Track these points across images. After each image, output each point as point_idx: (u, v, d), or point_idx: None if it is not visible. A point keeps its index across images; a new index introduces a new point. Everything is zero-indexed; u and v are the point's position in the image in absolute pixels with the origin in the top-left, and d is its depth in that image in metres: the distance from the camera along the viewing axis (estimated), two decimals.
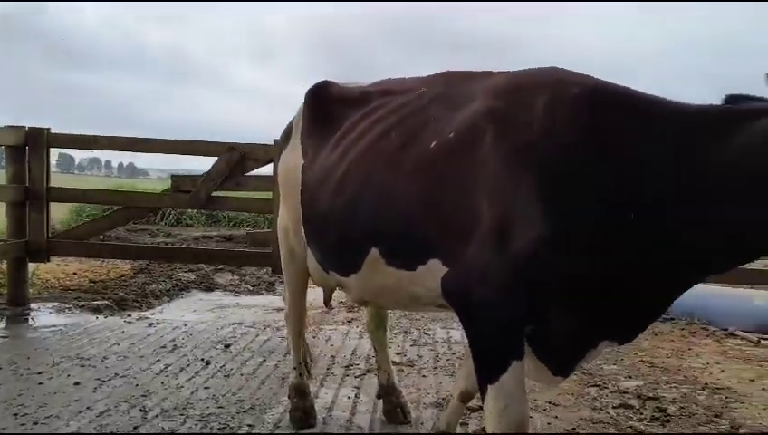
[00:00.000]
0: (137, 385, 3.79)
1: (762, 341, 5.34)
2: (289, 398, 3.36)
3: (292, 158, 3.00)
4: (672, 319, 5.99)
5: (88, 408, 3.40)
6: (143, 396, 3.61)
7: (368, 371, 4.26)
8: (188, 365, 4.26)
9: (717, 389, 4.06)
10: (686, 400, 3.83)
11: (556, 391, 3.87)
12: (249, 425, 3.26)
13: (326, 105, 2.89)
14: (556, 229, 1.88)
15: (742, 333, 5.55)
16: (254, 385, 3.89)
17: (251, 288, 8.28)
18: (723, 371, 4.49)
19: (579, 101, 1.98)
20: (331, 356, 4.62)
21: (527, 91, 2.07)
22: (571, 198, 1.91)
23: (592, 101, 1.98)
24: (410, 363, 4.45)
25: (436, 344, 5.04)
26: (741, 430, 3.34)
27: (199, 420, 3.29)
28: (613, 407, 3.67)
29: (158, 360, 4.36)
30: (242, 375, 4.09)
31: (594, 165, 1.90)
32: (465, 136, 2.12)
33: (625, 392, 3.91)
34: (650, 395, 3.86)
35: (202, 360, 4.38)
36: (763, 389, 4.10)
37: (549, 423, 3.39)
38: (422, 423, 3.36)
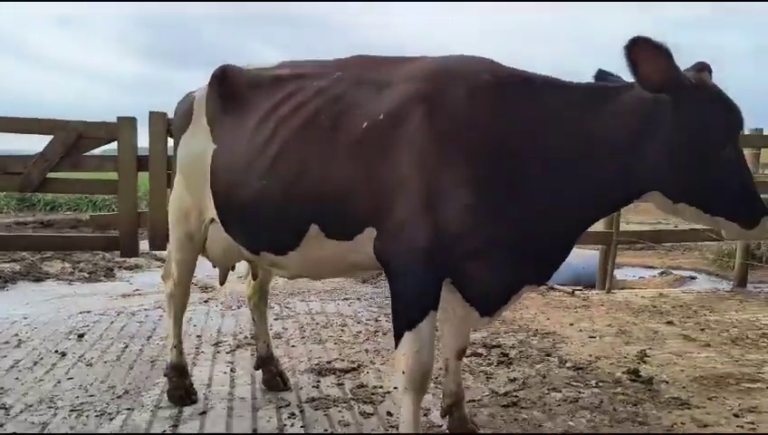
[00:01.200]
0: None
1: (575, 292, 6.27)
2: (167, 377, 3.36)
3: (198, 142, 2.96)
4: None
5: None
6: None
7: (237, 346, 4.35)
8: (42, 358, 4.03)
9: (546, 333, 4.76)
10: (523, 344, 4.45)
11: None
12: (128, 409, 3.23)
13: (237, 89, 2.85)
14: (474, 194, 2.26)
15: (559, 287, 6.46)
16: (121, 371, 3.81)
17: (87, 275, 7.81)
18: (548, 318, 5.25)
19: (488, 86, 2.36)
20: (197, 336, 4.62)
21: (448, 77, 2.39)
22: (485, 166, 2.28)
23: (499, 85, 2.36)
24: (278, 336, 4.60)
25: (298, 316, 5.22)
26: (566, 364, 3.99)
27: (72, 411, 3.19)
28: (467, 356, 4.14)
29: (5, 356, 4.06)
30: (106, 363, 3.97)
31: (504, 137, 2.31)
32: (394, 116, 2.35)
33: (473, 343, 4.42)
34: (494, 344, 4.43)
35: (56, 352, 4.16)
36: (580, 330, 4.89)
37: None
38: (301, 388, 3.55)
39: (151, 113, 5.45)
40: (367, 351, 4.25)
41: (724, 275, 8.18)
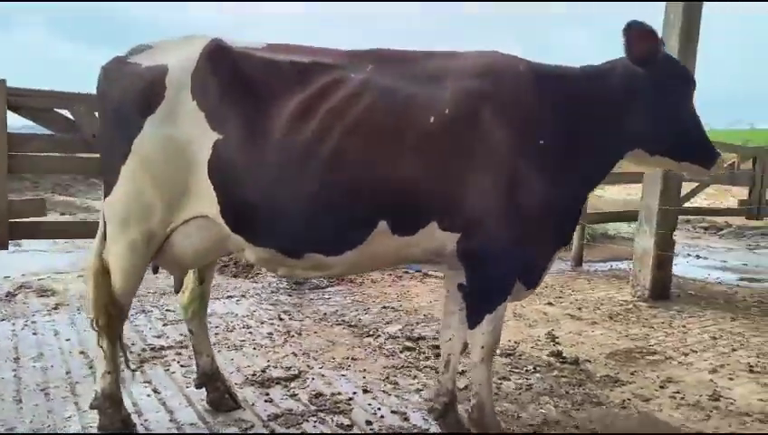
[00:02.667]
0: None
1: None
2: (98, 410, 2.73)
3: (180, 129, 2.46)
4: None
5: None
6: None
7: (141, 361, 3.73)
8: None
9: None
10: None
11: (346, 351, 4.08)
12: None
13: (244, 72, 2.47)
14: (549, 188, 2.51)
15: (433, 272, 6.63)
16: (10, 408, 3.03)
17: None
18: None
19: (530, 78, 2.57)
20: (80, 352, 3.86)
21: (498, 73, 2.55)
22: (552, 159, 2.52)
23: (537, 77, 2.58)
24: (181, 345, 4.04)
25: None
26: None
27: None
28: (400, 351, 4.06)
29: None
30: None
31: (552, 125, 2.54)
32: (461, 112, 2.43)
33: (396, 337, 4.34)
34: (417, 336, 4.39)
35: None
36: None
37: (364, 377, 3.57)
38: (253, 404, 3.16)
39: None
40: (295, 354, 3.93)
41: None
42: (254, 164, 2.41)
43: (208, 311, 4.79)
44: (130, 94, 2.51)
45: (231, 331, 4.41)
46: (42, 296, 5.39)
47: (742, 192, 15.61)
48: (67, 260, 7.75)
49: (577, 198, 2.74)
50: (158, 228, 2.57)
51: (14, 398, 3.15)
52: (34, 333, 4.21)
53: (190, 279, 3.07)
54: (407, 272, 6.63)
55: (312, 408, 3.13)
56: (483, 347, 2.66)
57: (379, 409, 3.15)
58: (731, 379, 3.82)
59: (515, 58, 2.64)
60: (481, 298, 2.64)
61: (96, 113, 4.16)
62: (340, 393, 3.32)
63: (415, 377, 3.62)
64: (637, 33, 2.44)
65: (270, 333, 4.36)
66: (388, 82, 2.47)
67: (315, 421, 2.99)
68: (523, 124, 2.50)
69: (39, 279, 6.21)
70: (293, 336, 4.31)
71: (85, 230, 4.64)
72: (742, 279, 7.37)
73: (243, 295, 5.49)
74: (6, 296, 5.38)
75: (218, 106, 2.43)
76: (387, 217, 2.45)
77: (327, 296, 5.54)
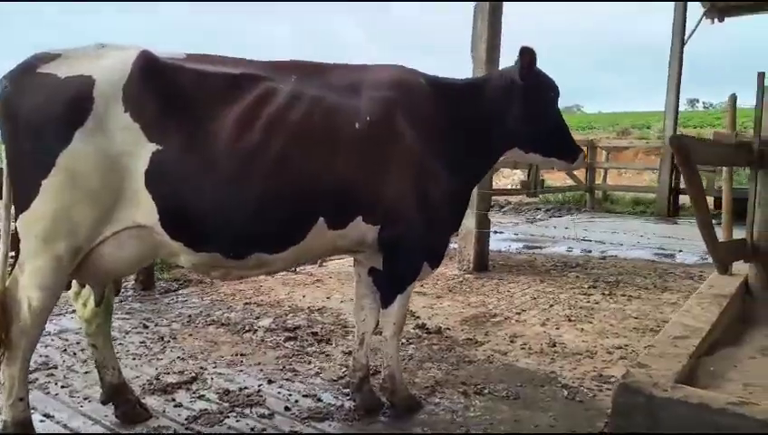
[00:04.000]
0: None
1: (297, 269, 6.72)
2: None
3: (113, 140, 2.41)
4: None
5: None
6: None
7: None
8: None
9: (317, 309, 5.14)
10: (314, 322, 4.75)
11: (231, 348, 4.16)
12: None
13: (177, 84, 2.50)
14: (448, 182, 2.98)
15: (299, 268, 6.79)
16: None
17: None
18: (303, 296, 5.60)
19: (429, 89, 3.04)
20: None
21: (405, 85, 2.96)
22: (449, 157, 2.99)
23: (433, 88, 3.05)
24: (46, 365, 3.76)
25: (46, 338, 4.29)
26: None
27: None
28: (284, 341, 4.25)
29: None
30: None
31: (448, 128, 3.03)
32: (379, 119, 2.78)
33: (273, 330, 4.51)
34: (292, 326, 4.60)
35: None
36: (342, 302, 5.42)
37: (261, 369, 3.71)
38: (164, 411, 3.15)
39: None
40: (181, 359, 3.91)
41: None
42: (197, 172, 2.48)
43: (58, 328, 4.52)
44: (53, 107, 2.40)
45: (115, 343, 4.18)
46: None
47: (515, 174, 17.99)
48: None
49: (468, 190, 3.24)
50: (84, 243, 2.48)
51: None
52: None
53: (89, 290, 2.95)
54: None
55: (226, 405, 3.21)
56: (395, 323, 3.07)
57: (290, 395, 3.35)
58: (557, 328, 4.68)
59: (416, 72, 3.07)
60: (395, 280, 3.03)
61: None
62: (246, 387, 3.43)
63: (309, 362, 3.86)
64: (529, 57, 2.99)
65: (142, 342, 4.23)
66: (315, 92, 2.71)
67: (236, 416, 3.09)
68: (427, 128, 2.93)
69: None
70: (169, 342, 4.25)
71: None
72: (530, 247, 8.71)
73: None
74: None
75: (155, 117, 2.44)
76: (324, 214, 2.71)
77: (183, 299, 5.44)
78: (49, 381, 3.53)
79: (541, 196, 13.82)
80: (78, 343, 4.19)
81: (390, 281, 3.04)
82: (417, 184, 2.87)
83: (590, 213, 13.37)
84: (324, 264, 7.13)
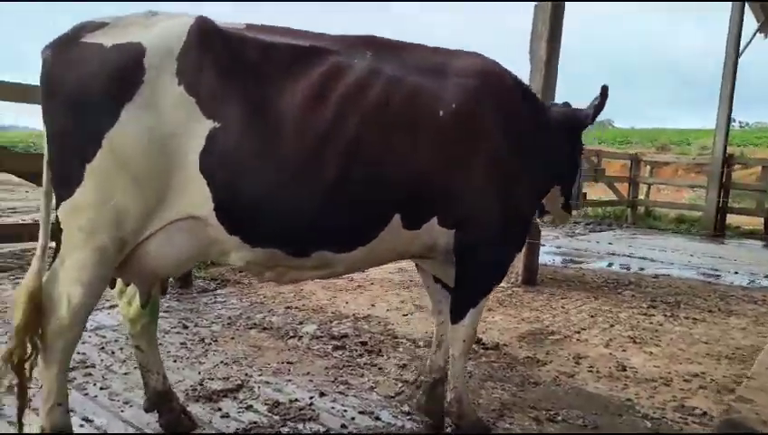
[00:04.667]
0: None
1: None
2: None
3: (165, 117, 2.11)
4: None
5: None
6: None
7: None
8: None
9: (363, 317, 4.86)
10: (361, 331, 4.47)
11: (276, 355, 3.91)
12: None
13: (239, 54, 2.20)
14: (525, 195, 2.72)
15: None
16: None
17: None
18: (347, 302, 5.33)
19: (517, 89, 2.75)
20: None
21: (494, 77, 2.65)
22: (526, 170, 2.67)
23: (521, 90, 2.78)
24: (88, 365, 3.55)
25: (84, 335, 4.07)
26: (420, 344, 4.22)
27: None
28: (332, 350, 3.98)
29: None
30: None
31: (528, 135, 2.70)
32: (466, 109, 2.46)
33: (319, 337, 4.25)
34: (339, 335, 4.33)
35: None
36: (387, 310, 5.14)
37: (311, 380, 3.45)
38: (210, 421, 2.90)
39: None
40: (225, 363, 3.66)
41: None
42: (260, 155, 2.18)
43: (95, 324, 4.32)
44: (99, 79, 2.11)
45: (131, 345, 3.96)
46: None
47: None
48: None
49: (533, 210, 2.94)
50: (131, 235, 2.20)
51: None
52: None
53: (134, 288, 2.71)
54: None
55: (277, 418, 2.95)
56: (464, 341, 2.74)
57: (346, 411, 3.07)
58: (624, 350, 4.34)
59: (499, 64, 2.73)
60: (468, 293, 2.70)
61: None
62: (297, 400, 3.16)
63: (362, 375, 3.58)
64: (604, 99, 2.74)
65: (183, 343, 4.00)
66: (395, 72, 2.40)
67: (288, 431, 2.82)
68: (513, 129, 2.61)
69: None
70: (211, 344, 4.00)
71: None
72: (574, 262, 8.34)
73: (112, 306, 4.94)
74: None
75: (214, 91, 2.15)
76: (401, 210, 2.41)
77: (222, 300, 5.21)
78: (87, 382, 3.30)
79: (580, 210, 13.39)
80: (116, 340, 3.98)
81: (463, 293, 2.71)
82: (501, 188, 2.56)
83: (631, 229, 12.93)
84: (365, 269, 6.86)
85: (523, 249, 6.17)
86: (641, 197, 13.93)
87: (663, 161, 17.37)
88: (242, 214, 2.24)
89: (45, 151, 2.26)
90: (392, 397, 3.28)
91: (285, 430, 2.84)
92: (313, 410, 3.05)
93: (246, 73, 2.20)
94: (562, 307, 5.55)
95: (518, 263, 6.41)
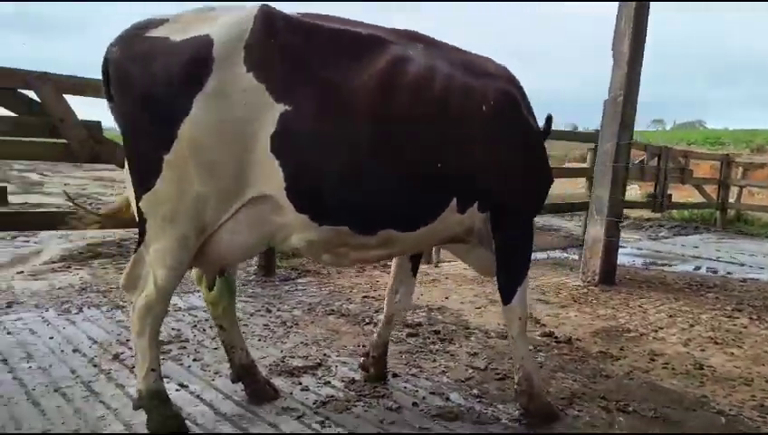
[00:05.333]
0: None
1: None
2: (146, 409, 2.56)
3: (237, 103, 2.26)
4: None
5: None
6: None
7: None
8: None
9: (437, 308, 4.98)
10: (434, 321, 4.59)
11: (353, 339, 4.09)
12: None
13: (303, 40, 2.37)
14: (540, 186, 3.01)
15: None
16: (31, 412, 2.78)
17: None
18: (422, 294, 5.46)
19: (522, 92, 2.90)
20: (74, 350, 3.58)
21: (515, 81, 2.86)
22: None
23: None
24: (179, 339, 3.86)
25: (175, 314, 4.43)
26: (491, 335, 4.29)
27: None
28: (406, 337, 4.13)
29: None
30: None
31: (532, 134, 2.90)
32: (500, 106, 2.68)
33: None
34: (414, 323, 4.47)
35: None
36: (461, 302, 5.24)
37: (400, 361, 3.60)
38: (291, 393, 3.11)
39: None
40: (305, 344, 3.88)
41: None
42: (332, 136, 2.34)
43: (188, 305, 4.66)
44: (169, 73, 2.25)
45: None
46: None
47: (632, 188, 17.04)
48: None
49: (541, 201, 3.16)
50: (210, 221, 2.40)
51: (27, 400, 2.88)
52: (8, 333, 3.85)
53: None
54: None
55: (353, 393, 3.13)
56: (520, 319, 2.90)
57: (417, 391, 3.21)
58: (703, 350, 4.24)
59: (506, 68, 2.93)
60: (512, 272, 2.88)
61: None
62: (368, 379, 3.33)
63: (434, 360, 3.71)
64: (548, 126, 2.93)
65: (266, 325, 4.26)
66: (446, 67, 2.61)
67: (363, 406, 2.99)
68: (529, 127, 2.85)
69: None
70: (292, 327, 4.25)
71: (52, 222, 4.25)
72: (660, 265, 8.09)
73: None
74: None
75: (282, 76, 2.30)
76: (457, 195, 2.64)
77: (302, 288, 5.48)
78: (182, 354, 3.60)
79: (665, 212, 12.89)
80: (206, 320, 4.29)
81: (506, 275, 2.88)
82: (523, 177, 2.82)
83: (719, 233, 12.34)
84: (439, 265, 6.98)
85: (600, 247, 6.13)
86: (731, 200, 13.24)
87: (759, 163, 16.38)
88: (313, 192, 2.39)
89: (124, 142, 2.45)
90: (462, 381, 3.38)
91: (360, 404, 3.01)
92: (387, 389, 3.21)
93: (313, 59, 2.35)
94: (640, 306, 5.45)
95: (595, 262, 6.34)
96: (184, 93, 2.26)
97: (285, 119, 2.31)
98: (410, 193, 2.50)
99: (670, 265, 8.02)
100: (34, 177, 17.40)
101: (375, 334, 3.36)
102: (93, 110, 4.29)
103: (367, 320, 4.49)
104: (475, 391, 3.23)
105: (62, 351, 3.56)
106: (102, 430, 2.63)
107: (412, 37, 2.66)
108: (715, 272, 7.64)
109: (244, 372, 3.01)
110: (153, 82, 2.27)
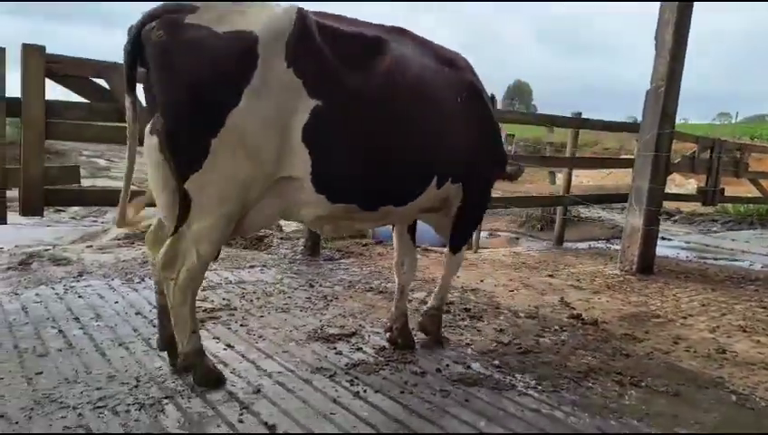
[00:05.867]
0: None
1: None
2: (193, 365, 2.87)
3: (279, 99, 2.56)
4: (381, 241, 7.06)
5: None
6: None
7: (200, 321, 3.90)
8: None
9: (471, 289, 5.22)
10: (466, 300, 4.83)
11: (387, 313, 4.37)
12: (167, 397, 2.77)
13: (327, 40, 2.69)
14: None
15: (432, 248, 6.98)
16: (100, 361, 3.18)
17: None
18: (458, 276, 5.68)
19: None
20: (136, 313, 3.99)
21: (473, 71, 3.45)
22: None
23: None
24: (231, 308, 4.23)
25: (227, 286, 4.82)
26: (521, 314, 4.49)
27: (96, 408, 2.62)
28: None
29: None
30: (60, 351, 3.25)
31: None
32: (469, 97, 3.27)
33: (427, 302, 4.64)
34: (447, 302, 4.69)
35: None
36: (495, 285, 5.46)
37: (415, 334, 3.87)
38: (326, 356, 3.41)
39: (25, 46, 4.40)
40: (342, 316, 4.20)
41: (534, 235, 9.69)
42: (353, 129, 2.72)
43: (238, 278, 5.04)
44: (219, 65, 2.45)
45: (270, 295, 4.62)
46: (58, 265, 5.42)
47: (689, 183, 16.63)
48: (50, 233, 7.71)
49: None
50: (253, 200, 2.69)
51: (95, 351, 3.29)
52: (80, 297, 4.31)
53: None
54: None
55: (382, 359, 3.41)
56: (457, 265, 3.78)
57: (442, 359, 3.47)
58: (729, 337, 4.32)
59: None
60: (464, 231, 3.69)
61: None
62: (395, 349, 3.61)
63: (461, 334, 3.95)
64: None
65: (308, 298, 4.60)
66: (432, 63, 3.12)
67: (390, 370, 3.27)
68: (488, 111, 3.49)
69: (45, 250, 6.22)
70: (332, 301, 4.57)
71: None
72: (704, 258, 8.04)
73: (264, 265, 5.68)
74: (21, 265, 5.40)
75: (315, 73, 2.61)
76: (437, 174, 3.15)
77: (344, 267, 5.80)
78: (230, 320, 3.97)
79: (719, 206, 12.62)
80: (254, 292, 4.66)
81: (461, 232, 3.65)
82: (485, 154, 3.46)
83: None
84: (479, 250, 7.19)
85: (638, 236, 6.20)
86: None
87: None
88: (332, 177, 2.74)
89: (161, 117, 2.51)
90: (485, 353, 3.62)
91: (387, 368, 3.29)
92: (413, 357, 3.48)
93: (338, 59, 2.68)
94: (674, 295, 5.53)
95: (633, 251, 6.41)
96: (233, 86, 2.48)
97: (316, 112, 2.63)
98: (408, 177, 3.01)
99: (716, 259, 7.97)
100: (102, 162, 18.42)
101: (393, 307, 3.72)
102: None
103: None
104: (495, 362, 3.46)
105: (126, 313, 3.98)
106: (158, 378, 3.00)
107: (402, 33, 3.10)
108: (762, 267, 7.55)
109: (173, 342, 3.02)
110: (203, 71, 2.44)
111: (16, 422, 2.46)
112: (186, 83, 2.46)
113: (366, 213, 3.00)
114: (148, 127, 2.67)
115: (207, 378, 2.90)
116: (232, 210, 2.66)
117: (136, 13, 2.63)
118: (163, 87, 2.50)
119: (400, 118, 2.84)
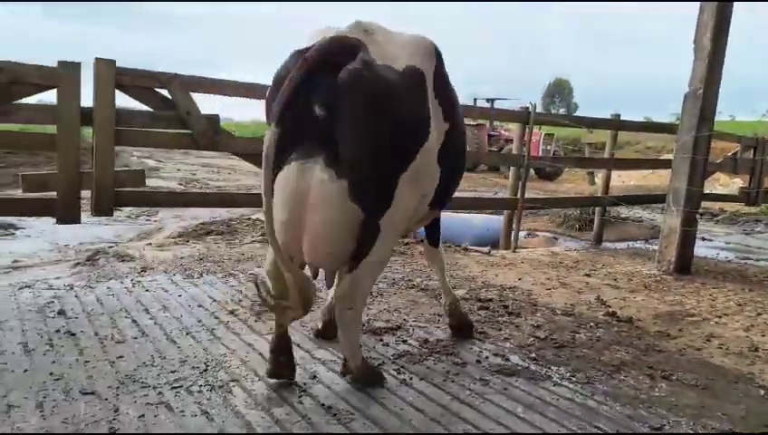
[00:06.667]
0: None
1: (491, 252, 7.06)
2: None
3: (436, 125, 2.89)
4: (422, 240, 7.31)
5: None
6: None
7: (258, 313, 4.23)
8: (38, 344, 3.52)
9: (509, 287, 5.43)
10: (505, 298, 5.05)
11: (430, 309, 4.62)
12: (234, 380, 3.09)
13: (444, 72, 3.12)
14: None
15: (472, 247, 7.20)
16: (171, 347, 3.53)
17: None
18: (496, 275, 5.92)
19: None
20: (198, 306, 4.35)
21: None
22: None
23: None
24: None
25: None
26: (558, 312, 4.69)
27: (173, 388, 2.95)
28: (477, 310, 4.62)
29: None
30: (136, 339, 3.61)
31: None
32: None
33: (467, 299, 4.90)
34: (485, 298, 4.95)
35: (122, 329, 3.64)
36: (533, 284, 5.65)
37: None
38: (374, 347, 3.69)
39: (98, 60, 4.81)
40: (387, 310, 4.47)
41: (572, 235, 9.80)
42: (453, 147, 3.10)
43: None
44: (411, 103, 2.65)
45: (320, 292, 4.92)
46: (123, 261, 5.86)
47: (733, 182, 16.38)
48: (109, 231, 8.18)
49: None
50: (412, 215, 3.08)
51: (166, 339, 3.64)
52: (146, 290, 4.69)
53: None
54: (448, 246, 7.20)
55: (425, 350, 3.67)
56: (443, 260, 4.03)
57: (481, 352, 3.71)
58: (763, 335, 4.44)
59: None
60: (437, 233, 3.95)
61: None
62: (442, 340, 3.86)
63: (500, 329, 4.19)
64: None
65: None
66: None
67: (433, 360, 3.53)
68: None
69: (109, 247, 6.68)
70: (377, 297, 4.85)
71: (201, 200, 5.07)
72: (744, 259, 8.05)
73: None
74: (89, 261, 5.85)
75: (444, 98, 2.98)
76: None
77: (388, 266, 6.07)
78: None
79: (763, 206, 12.45)
80: None
81: (437, 231, 3.95)
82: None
83: None
84: (518, 250, 7.38)
85: (676, 237, 6.31)
86: None
87: None
88: (443, 190, 3.17)
89: (355, 155, 2.49)
90: (523, 346, 3.85)
91: (431, 359, 3.55)
92: (455, 349, 3.73)
93: (448, 88, 3.11)
94: (710, 295, 5.63)
95: (671, 251, 6.52)
96: (426, 120, 2.73)
97: (448, 135, 3.02)
98: (454, 183, 3.45)
99: (757, 261, 7.97)
100: (151, 162, 19.15)
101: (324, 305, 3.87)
102: (210, 105, 5.08)
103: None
104: (533, 355, 3.69)
105: (189, 305, 4.34)
106: (224, 363, 3.32)
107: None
108: None
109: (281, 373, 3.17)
110: (400, 109, 2.57)
111: (106, 398, 2.81)
112: (388, 127, 2.53)
113: (436, 212, 3.58)
114: (321, 171, 2.53)
115: (374, 379, 3.14)
116: (401, 234, 3.25)
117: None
118: (368, 132, 2.49)
119: (459, 139, 3.23)
